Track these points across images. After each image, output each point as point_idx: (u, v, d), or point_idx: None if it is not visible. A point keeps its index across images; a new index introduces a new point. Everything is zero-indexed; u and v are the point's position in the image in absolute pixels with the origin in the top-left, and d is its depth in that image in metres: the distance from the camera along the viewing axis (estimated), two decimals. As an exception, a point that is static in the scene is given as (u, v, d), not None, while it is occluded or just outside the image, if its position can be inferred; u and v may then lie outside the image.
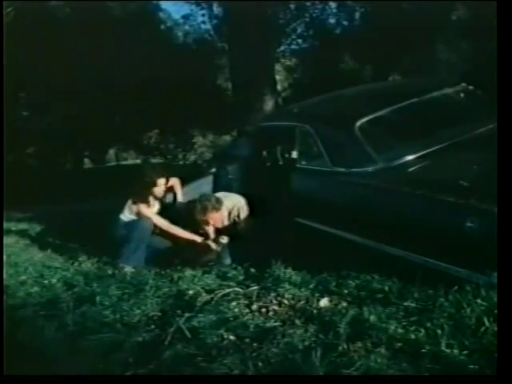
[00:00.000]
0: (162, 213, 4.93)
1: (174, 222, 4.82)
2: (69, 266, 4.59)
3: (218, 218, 4.65)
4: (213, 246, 4.56)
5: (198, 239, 4.66)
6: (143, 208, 4.79)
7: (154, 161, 16.79)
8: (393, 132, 4.20)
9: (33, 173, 14.62)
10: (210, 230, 4.70)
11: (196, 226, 4.73)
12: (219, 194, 4.82)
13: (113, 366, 2.70)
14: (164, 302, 3.40)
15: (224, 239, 4.60)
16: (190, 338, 2.82)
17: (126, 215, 4.89)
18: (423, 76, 9.08)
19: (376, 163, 3.82)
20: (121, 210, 4.94)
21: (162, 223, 4.80)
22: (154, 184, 4.85)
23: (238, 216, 4.75)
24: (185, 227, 4.78)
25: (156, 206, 4.94)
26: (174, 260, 4.41)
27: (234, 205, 4.75)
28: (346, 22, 14.91)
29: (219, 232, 4.72)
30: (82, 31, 12.94)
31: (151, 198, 4.88)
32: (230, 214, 4.76)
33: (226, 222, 4.76)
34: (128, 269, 4.43)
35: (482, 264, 2.87)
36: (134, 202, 4.84)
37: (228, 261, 4.36)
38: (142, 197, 4.83)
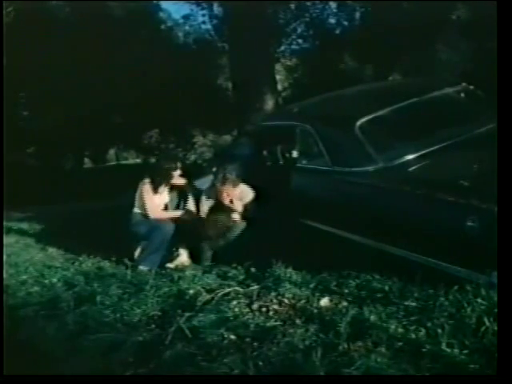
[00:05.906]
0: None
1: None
2: (69, 266, 4.59)
3: (232, 194, 4.60)
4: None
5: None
6: (145, 190, 4.77)
7: (154, 161, 16.80)
8: (393, 132, 4.19)
9: (33, 173, 14.63)
10: (226, 201, 4.64)
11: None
12: None
13: (113, 366, 2.71)
14: (164, 302, 3.40)
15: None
16: (190, 337, 2.82)
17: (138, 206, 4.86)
18: (423, 76, 9.07)
19: (376, 163, 3.82)
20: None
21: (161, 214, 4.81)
22: (171, 173, 4.86)
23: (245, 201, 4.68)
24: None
25: (165, 193, 4.91)
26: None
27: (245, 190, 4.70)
28: (346, 22, 14.93)
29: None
30: (82, 31, 12.95)
31: (163, 186, 4.87)
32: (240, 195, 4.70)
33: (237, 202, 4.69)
34: (143, 268, 4.44)
35: (482, 264, 2.87)
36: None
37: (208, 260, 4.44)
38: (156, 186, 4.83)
